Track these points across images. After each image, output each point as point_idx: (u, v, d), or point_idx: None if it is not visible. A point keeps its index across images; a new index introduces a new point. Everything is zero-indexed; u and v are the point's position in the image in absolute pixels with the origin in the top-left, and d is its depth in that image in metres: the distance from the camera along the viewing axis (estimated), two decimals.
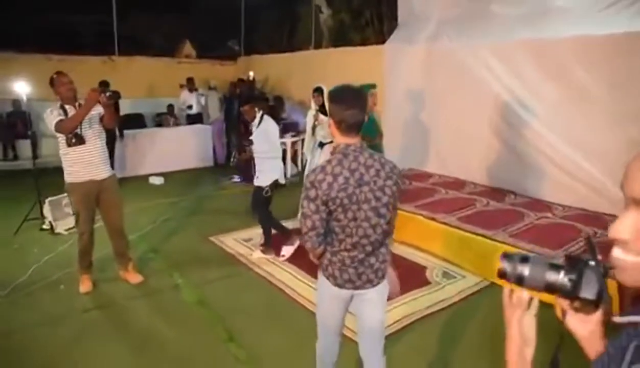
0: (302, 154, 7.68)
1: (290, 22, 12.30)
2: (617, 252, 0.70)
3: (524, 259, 0.85)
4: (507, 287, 0.88)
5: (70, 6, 10.92)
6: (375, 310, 2.11)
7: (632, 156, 0.69)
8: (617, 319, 0.73)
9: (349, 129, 1.92)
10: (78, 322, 3.38)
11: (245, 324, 3.35)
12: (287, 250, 4.51)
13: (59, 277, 4.02)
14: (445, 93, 6.09)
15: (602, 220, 4.23)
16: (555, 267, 0.83)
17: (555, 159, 5.00)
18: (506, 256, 0.87)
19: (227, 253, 4.67)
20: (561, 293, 0.83)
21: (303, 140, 6.77)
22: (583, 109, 4.70)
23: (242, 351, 3.03)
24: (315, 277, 2.28)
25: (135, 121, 9.25)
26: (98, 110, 3.60)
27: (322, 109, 5.18)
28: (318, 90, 5.30)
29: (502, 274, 0.87)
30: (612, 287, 0.79)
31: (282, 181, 4.55)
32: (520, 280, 0.85)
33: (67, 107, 3.57)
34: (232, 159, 8.83)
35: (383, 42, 7.35)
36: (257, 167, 4.47)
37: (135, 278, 3.98)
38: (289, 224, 5.10)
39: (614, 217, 0.73)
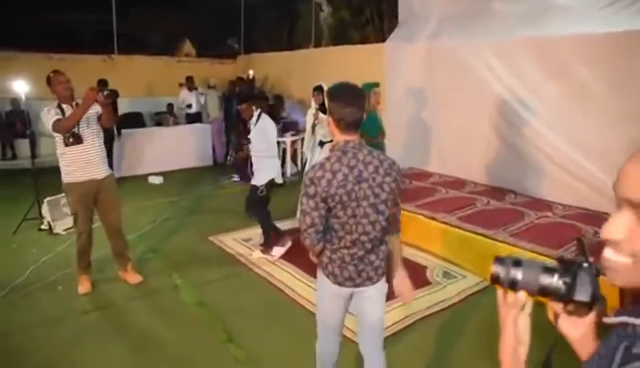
0: (302, 153, 7.66)
1: (290, 21, 12.27)
2: (608, 253, 0.69)
3: (517, 263, 0.84)
4: (501, 290, 0.87)
5: (70, 5, 10.89)
6: (375, 308, 2.12)
7: (626, 157, 0.69)
8: (607, 320, 0.73)
9: (347, 127, 1.93)
10: (76, 322, 3.36)
11: (244, 325, 3.34)
12: (278, 251, 4.49)
13: (57, 277, 4.00)
14: (445, 91, 6.06)
15: (603, 220, 4.11)
16: (549, 270, 0.82)
17: (556, 157, 4.98)
18: (498, 260, 0.85)
19: (226, 253, 4.65)
20: (555, 297, 0.82)
21: (303, 139, 6.75)
22: (584, 108, 4.67)
23: (241, 352, 3.02)
24: (315, 276, 2.27)
25: (135, 120, 9.23)
26: (96, 109, 3.58)
27: (322, 108, 5.16)
28: (318, 89, 5.29)
29: (495, 279, 0.85)
30: (606, 287, 0.78)
31: (279, 180, 4.53)
32: (513, 285, 0.84)
33: (64, 106, 3.54)
34: (228, 158, 8.84)
35: (383, 40, 7.32)
36: (254, 166, 4.45)
37: (134, 278, 3.96)
38: (287, 224, 5.10)
39: None
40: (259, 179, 4.36)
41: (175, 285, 3.96)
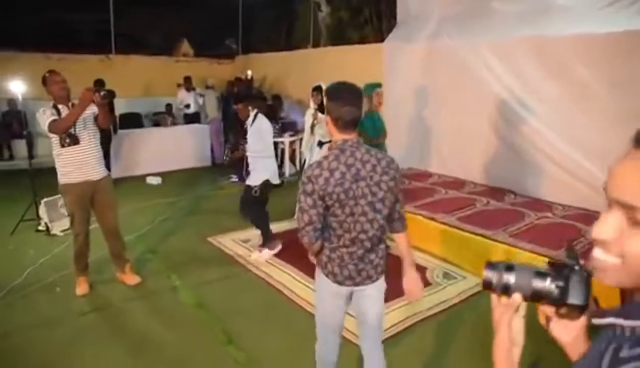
0: (301, 153, 7.64)
1: (288, 21, 12.27)
2: (597, 253, 0.70)
3: (509, 268, 0.84)
4: (494, 295, 0.87)
5: (69, 5, 10.87)
6: (375, 306, 2.13)
7: (616, 157, 0.70)
8: (595, 321, 0.73)
9: (345, 126, 1.93)
10: (74, 324, 3.34)
11: (243, 326, 3.31)
12: (267, 254, 4.46)
13: (55, 279, 3.97)
14: (445, 91, 6.06)
15: None
16: (541, 274, 0.81)
17: (556, 157, 4.98)
18: (490, 265, 0.85)
19: (225, 254, 4.63)
20: (548, 300, 0.82)
21: (301, 139, 6.73)
22: (584, 108, 4.67)
23: (241, 353, 3.00)
24: (313, 277, 2.25)
25: (133, 120, 9.20)
26: (92, 109, 3.55)
27: (321, 108, 5.14)
28: (317, 89, 5.27)
29: (487, 284, 0.85)
30: (600, 288, 0.78)
31: (276, 181, 4.50)
32: (506, 289, 0.83)
33: (60, 106, 3.51)
34: (224, 157, 8.82)
35: (382, 40, 7.32)
36: (250, 166, 4.43)
37: (132, 279, 3.94)
38: (285, 225, 5.09)
39: None
40: (254, 179, 4.34)
41: (174, 286, 3.94)
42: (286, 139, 8.00)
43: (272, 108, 8.09)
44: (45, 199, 5.13)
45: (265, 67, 10.53)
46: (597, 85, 4.52)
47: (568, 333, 0.86)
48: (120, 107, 8.68)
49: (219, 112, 9.19)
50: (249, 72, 9.83)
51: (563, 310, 0.81)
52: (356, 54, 7.92)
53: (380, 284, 2.11)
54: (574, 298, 0.78)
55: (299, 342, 2.96)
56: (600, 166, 4.55)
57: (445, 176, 6.10)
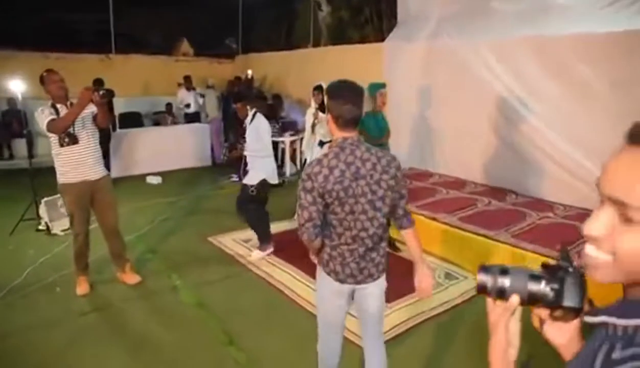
0: (301, 152, 7.63)
1: (289, 20, 12.27)
2: (589, 249, 0.69)
3: (504, 271, 0.83)
4: (489, 299, 0.86)
5: (69, 5, 10.86)
6: (376, 304, 2.14)
7: (610, 154, 0.69)
8: (588, 319, 0.73)
9: (346, 124, 1.93)
10: (74, 324, 3.33)
11: (244, 326, 3.30)
12: (258, 255, 4.46)
13: (55, 279, 3.96)
14: (445, 91, 6.04)
15: None
16: (536, 277, 0.81)
17: (557, 157, 4.96)
18: (484, 269, 0.84)
19: (225, 254, 4.62)
20: (543, 303, 0.81)
21: (302, 139, 6.72)
22: (584, 107, 4.66)
23: (241, 354, 2.99)
24: (314, 277, 2.24)
25: (133, 120, 9.19)
26: (91, 109, 3.53)
27: (322, 107, 5.13)
28: (318, 88, 5.26)
29: (481, 288, 0.84)
30: (595, 287, 0.78)
31: (274, 181, 4.49)
32: (501, 293, 0.83)
33: (58, 106, 3.49)
34: (222, 156, 8.81)
35: (382, 40, 7.31)
36: (248, 165, 4.42)
37: (132, 279, 3.93)
38: (285, 224, 5.07)
39: None
40: (251, 178, 4.33)
41: (174, 286, 3.93)
42: (287, 139, 7.99)
43: (273, 107, 8.08)
44: (45, 199, 5.12)
45: (266, 66, 10.52)
46: (598, 84, 4.50)
47: (562, 335, 0.86)
48: (121, 106, 8.68)
49: (219, 112, 9.19)
50: (250, 72, 9.82)
51: (558, 313, 0.81)
52: (356, 53, 7.91)
53: (382, 282, 2.12)
54: (569, 300, 0.78)
55: (300, 343, 2.95)
56: (601, 166, 4.53)
57: (446, 176, 6.08)
